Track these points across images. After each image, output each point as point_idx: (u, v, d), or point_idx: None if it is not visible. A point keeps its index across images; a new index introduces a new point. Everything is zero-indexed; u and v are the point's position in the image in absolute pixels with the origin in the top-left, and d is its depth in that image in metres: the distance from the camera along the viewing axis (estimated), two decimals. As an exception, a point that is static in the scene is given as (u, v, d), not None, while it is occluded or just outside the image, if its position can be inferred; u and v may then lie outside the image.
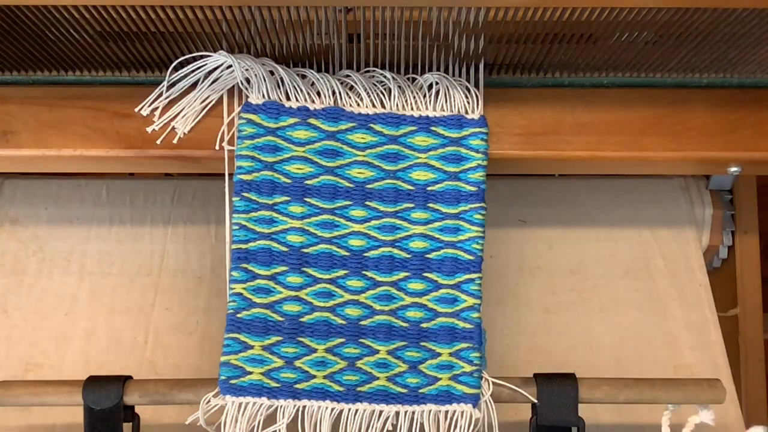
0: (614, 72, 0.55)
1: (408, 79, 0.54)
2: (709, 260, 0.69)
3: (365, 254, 0.51)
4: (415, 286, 0.51)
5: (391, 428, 0.49)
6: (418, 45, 0.51)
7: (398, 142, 0.52)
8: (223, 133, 0.53)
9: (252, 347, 0.49)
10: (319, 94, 0.53)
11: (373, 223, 0.51)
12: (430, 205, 0.52)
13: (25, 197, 0.68)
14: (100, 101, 0.54)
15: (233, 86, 0.53)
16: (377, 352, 0.50)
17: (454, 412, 0.49)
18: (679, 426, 0.52)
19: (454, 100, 0.53)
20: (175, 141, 0.53)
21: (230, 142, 0.52)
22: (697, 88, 0.56)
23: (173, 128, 0.53)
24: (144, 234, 0.67)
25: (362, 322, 0.51)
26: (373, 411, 0.49)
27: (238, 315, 0.50)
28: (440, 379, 0.49)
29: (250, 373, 0.49)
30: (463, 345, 0.50)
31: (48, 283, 0.66)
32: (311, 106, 0.52)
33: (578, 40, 0.50)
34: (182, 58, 0.52)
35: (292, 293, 0.50)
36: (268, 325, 0.50)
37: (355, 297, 0.51)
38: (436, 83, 0.53)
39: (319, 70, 0.53)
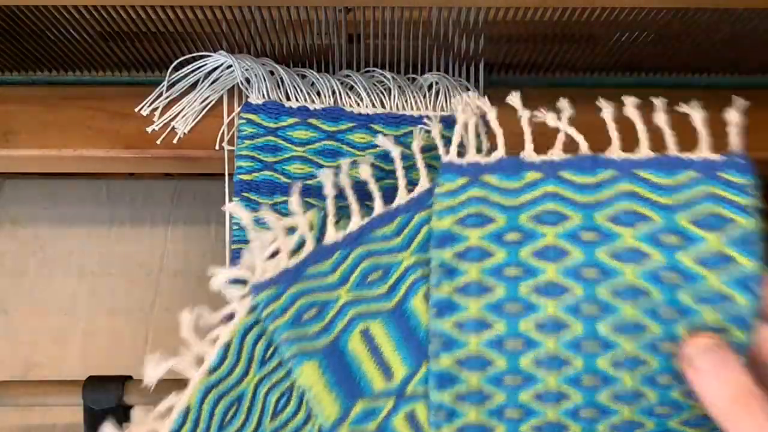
0: (615, 72, 0.55)
1: (408, 79, 0.54)
2: (709, 260, 0.69)
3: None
4: None
5: None
6: (418, 45, 0.51)
7: (399, 142, 0.52)
8: (223, 133, 0.53)
9: None
10: (319, 94, 0.53)
11: (373, 223, 0.52)
12: (430, 205, 0.52)
13: (25, 197, 0.68)
14: (100, 101, 0.54)
15: (233, 86, 0.53)
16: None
17: None
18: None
19: (454, 101, 0.53)
20: (175, 141, 0.53)
21: (230, 142, 0.52)
22: (697, 88, 0.56)
23: (173, 128, 0.53)
24: (144, 234, 0.67)
25: None
26: None
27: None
28: None
29: None
30: None
31: (48, 283, 0.66)
32: (311, 106, 0.52)
33: (578, 40, 0.50)
34: (182, 58, 0.52)
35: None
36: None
37: None
38: (436, 83, 0.53)
39: (319, 70, 0.53)
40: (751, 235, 0.34)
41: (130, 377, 0.51)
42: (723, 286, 0.33)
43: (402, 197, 0.40)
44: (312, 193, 0.51)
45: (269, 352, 0.39)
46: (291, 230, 0.40)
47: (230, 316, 0.40)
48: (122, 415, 0.49)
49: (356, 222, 0.40)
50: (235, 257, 0.50)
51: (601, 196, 0.37)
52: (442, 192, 0.36)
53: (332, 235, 0.39)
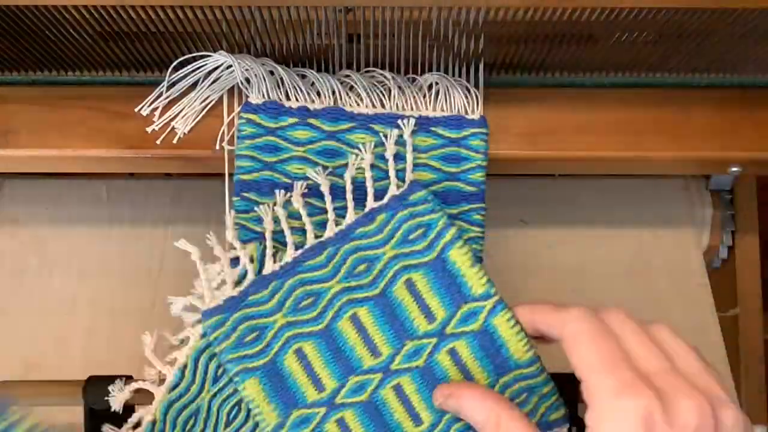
0: (615, 72, 0.55)
1: (408, 79, 0.54)
2: (709, 260, 0.69)
3: (365, 254, 0.52)
4: None
5: None
6: (418, 45, 0.51)
7: (398, 142, 0.52)
8: (223, 133, 0.53)
9: None
10: (319, 94, 0.53)
11: (373, 223, 0.52)
12: (430, 205, 0.52)
13: (25, 197, 0.68)
14: (100, 101, 0.54)
15: (233, 86, 0.53)
16: None
17: None
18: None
19: (454, 101, 0.53)
20: (175, 141, 0.53)
21: (230, 142, 0.52)
22: (697, 88, 0.56)
23: (173, 128, 0.53)
24: (144, 234, 0.67)
25: None
26: None
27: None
28: None
29: None
30: None
31: (48, 283, 0.66)
32: (311, 106, 0.52)
33: (578, 40, 0.50)
34: (182, 58, 0.52)
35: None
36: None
37: None
38: (436, 83, 0.53)
39: (319, 70, 0.53)
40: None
41: (130, 377, 0.51)
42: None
43: (331, 230, 0.47)
44: (312, 194, 0.51)
45: (220, 371, 0.46)
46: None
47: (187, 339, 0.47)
48: (122, 415, 0.49)
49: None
50: (233, 258, 0.50)
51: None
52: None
53: (269, 266, 0.46)
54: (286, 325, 0.45)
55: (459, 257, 0.45)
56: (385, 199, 0.47)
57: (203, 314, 0.46)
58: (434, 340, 0.44)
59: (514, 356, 0.43)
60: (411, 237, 0.46)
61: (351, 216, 0.47)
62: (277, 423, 0.44)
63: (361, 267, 0.46)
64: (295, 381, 0.45)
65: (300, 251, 0.47)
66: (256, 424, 0.46)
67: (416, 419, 0.44)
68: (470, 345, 0.44)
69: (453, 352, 0.44)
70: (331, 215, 0.48)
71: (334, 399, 0.44)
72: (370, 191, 0.48)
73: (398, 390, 0.44)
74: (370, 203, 0.48)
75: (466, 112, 0.53)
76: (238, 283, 0.46)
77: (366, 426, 0.44)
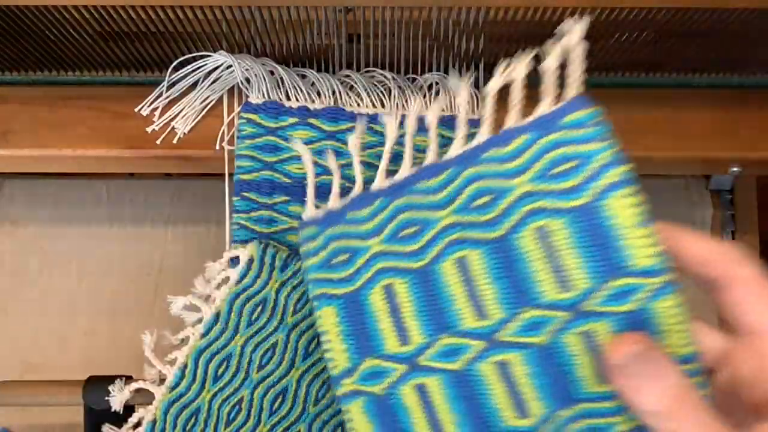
0: (614, 72, 0.55)
1: (408, 79, 0.54)
2: (709, 260, 0.69)
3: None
4: None
5: None
6: (418, 45, 0.51)
7: (398, 142, 0.52)
8: (223, 133, 0.53)
9: None
10: (319, 94, 0.53)
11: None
12: (430, 205, 0.52)
13: (25, 197, 0.68)
14: (100, 101, 0.54)
15: (233, 86, 0.53)
16: None
17: None
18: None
19: (455, 101, 0.53)
20: (175, 141, 0.53)
21: (230, 142, 0.52)
22: (697, 88, 0.56)
23: (173, 128, 0.53)
24: (144, 234, 0.67)
25: None
26: None
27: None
28: None
29: None
30: None
31: (48, 283, 0.66)
32: (311, 106, 0.52)
33: (578, 40, 0.50)
34: (182, 58, 0.52)
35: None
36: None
37: None
38: (437, 83, 0.53)
39: (319, 70, 0.53)
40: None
41: (130, 377, 0.51)
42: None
43: (457, 148, 0.37)
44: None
45: (221, 369, 0.46)
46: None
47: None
48: (122, 415, 0.49)
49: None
50: (233, 257, 0.50)
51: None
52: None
53: (379, 182, 0.38)
54: (380, 254, 0.36)
55: (622, 209, 0.31)
56: (531, 118, 0.34)
57: (300, 224, 0.39)
58: (565, 315, 0.32)
59: (668, 350, 0.30)
60: (556, 170, 0.33)
61: (485, 135, 0.36)
62: (346, 368, 0.36)
63: (484, 199, 0.34)
64: (376, 323, 0.35)
65: (417, 168, 0.37)
66: (256, 425, 0.45)
67: (521, 410, 0.33)
68: (614, 331, 0.31)
69: (588, 337, 0.32)
70: (462, 133, 0.37)
71: (417, 357, 0.34)
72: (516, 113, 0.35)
73: (503, 368, 0.33)
74: (510, 122, 0.35)
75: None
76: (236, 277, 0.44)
77: (451, 403, 0.34)
